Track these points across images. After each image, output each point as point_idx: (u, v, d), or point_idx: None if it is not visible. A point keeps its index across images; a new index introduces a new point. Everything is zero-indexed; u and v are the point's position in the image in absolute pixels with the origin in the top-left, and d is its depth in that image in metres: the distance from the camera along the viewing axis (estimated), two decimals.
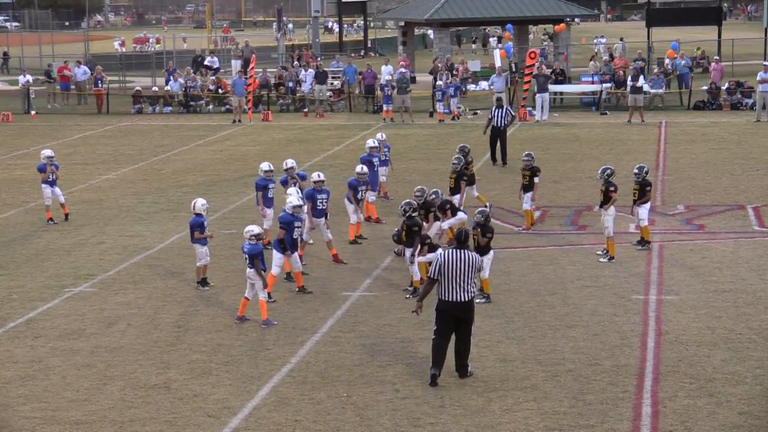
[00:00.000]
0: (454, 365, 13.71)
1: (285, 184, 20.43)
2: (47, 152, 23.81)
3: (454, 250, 13.63)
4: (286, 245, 17.42)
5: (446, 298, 13.48)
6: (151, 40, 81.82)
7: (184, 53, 60.19)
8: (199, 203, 18.13)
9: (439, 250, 14.05)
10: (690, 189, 25.65)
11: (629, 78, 38.45)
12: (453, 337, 13.66)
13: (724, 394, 13.02)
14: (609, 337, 15.22)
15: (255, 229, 16.37)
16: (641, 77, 38.52)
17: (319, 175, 19.63)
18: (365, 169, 21.45)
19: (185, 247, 20.14)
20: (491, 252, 17.02)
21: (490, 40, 74.68)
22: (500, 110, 29.68)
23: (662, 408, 12.66)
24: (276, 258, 17.49)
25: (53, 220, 23.47)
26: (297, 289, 17.78)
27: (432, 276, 13.66)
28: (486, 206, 23.07)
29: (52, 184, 23.47)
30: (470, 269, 13.48)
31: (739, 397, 12.91)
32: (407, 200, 17.91)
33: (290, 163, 20.87)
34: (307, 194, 19.30)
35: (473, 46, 76.79)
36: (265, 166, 20.42)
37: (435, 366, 13.48)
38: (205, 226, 18.15)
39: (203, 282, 18.19)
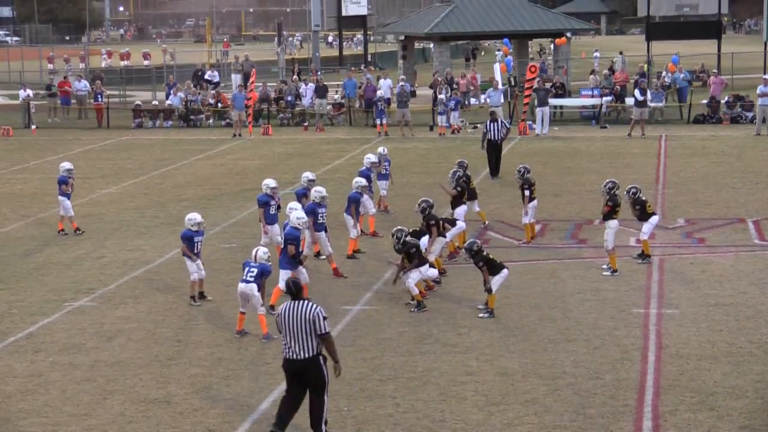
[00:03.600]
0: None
1: (305, 196, 20.38)
2: (67, 165, 23.68)
3: (290, 303, 12.23)
4: (299, 258, 17.40)
5: (285, 356, 12.15)
6: (107, 56, 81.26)
7: (185, 67, 60.21)
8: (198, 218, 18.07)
9: (281, 306, 12.34)
10: (690, 202, 25.65)
11: (636, 92, 38.02)
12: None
13: (725, 408, 13.00)
14: (609, 350, 15.20)
15: (268, 250, 16.59)
16: (648, 91, 38.47)
17: (321, 191, 19.63)
18: (364, 181, 21.45)
19: (185, 261, 20.09)
20: (504, 270, 16.97)
21: (497, 53, 74.42)
22: (495, 123, 29.77)
23: (663, 422, 12.64)
24: (283, 273, 17.25)
25: (64, 231, 23.46)
26: None
27: (280, 330, 12.24)
28: (485, 223, 23.14)
29: (68, 196, 23.44)
30: (306, 324, 12.00)
31: (740, 411, 12.88)
32: (397, 228, 17.82)
33: (310, 176, 21.04)
34: (308, 209, 19.24)
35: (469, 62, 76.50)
36: (271, 182, 20.18)
37: (275, 424, 12.24)
38: (195, 241, 18.04)
39: (194, 297, 18.03)
